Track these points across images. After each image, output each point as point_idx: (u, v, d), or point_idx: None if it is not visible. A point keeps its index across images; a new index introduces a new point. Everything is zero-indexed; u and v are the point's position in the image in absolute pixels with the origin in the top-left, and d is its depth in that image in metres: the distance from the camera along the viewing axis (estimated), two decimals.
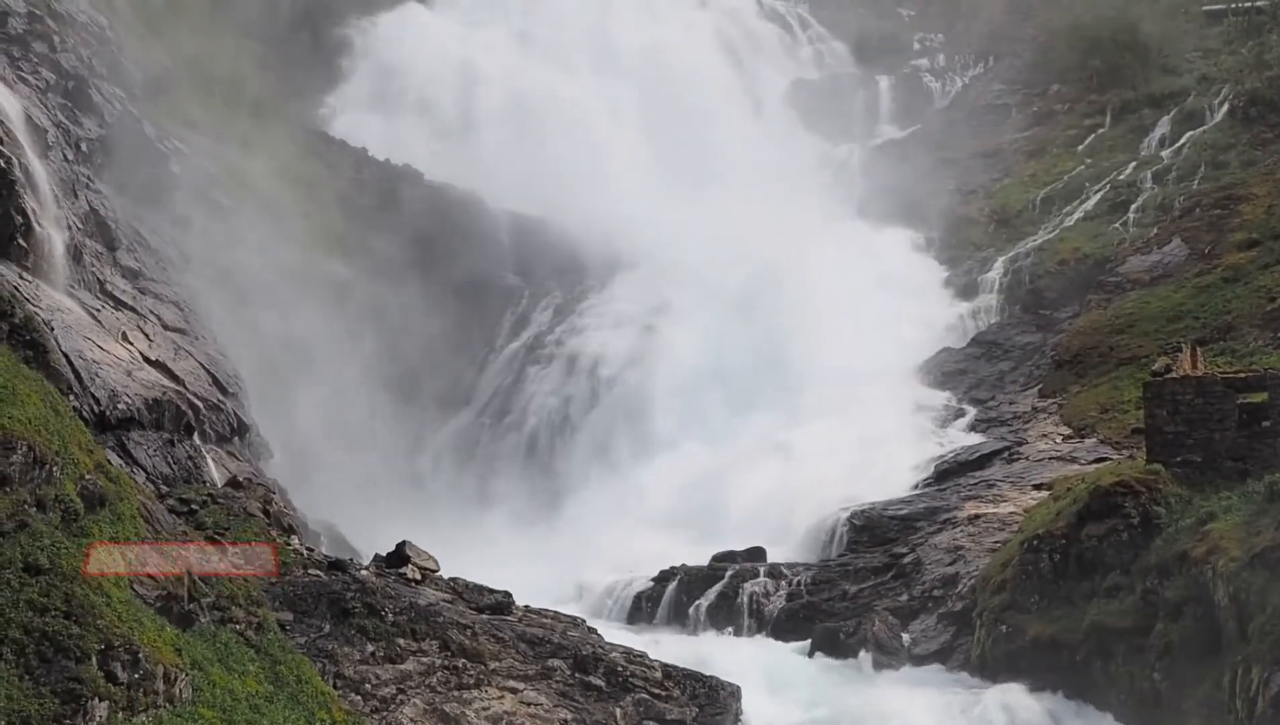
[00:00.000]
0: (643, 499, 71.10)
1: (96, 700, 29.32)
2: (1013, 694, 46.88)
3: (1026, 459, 63.74)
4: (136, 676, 30.52)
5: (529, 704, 41.80)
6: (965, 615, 52.58)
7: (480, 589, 47.26)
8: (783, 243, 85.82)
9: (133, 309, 57.63)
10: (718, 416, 76.74)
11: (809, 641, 54.22)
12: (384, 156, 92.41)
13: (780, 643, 55.31)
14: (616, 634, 50.96)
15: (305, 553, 45.79)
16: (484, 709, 40.90)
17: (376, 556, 49.21)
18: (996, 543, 55.12)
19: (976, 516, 58.68)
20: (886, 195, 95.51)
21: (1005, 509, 58.37)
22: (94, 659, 29.73)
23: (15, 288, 47.71)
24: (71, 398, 44.61)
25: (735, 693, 46.30)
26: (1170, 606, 43.67)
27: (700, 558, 61.67)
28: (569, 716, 42.03)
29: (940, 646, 52.66)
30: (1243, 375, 48.61)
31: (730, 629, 56.94)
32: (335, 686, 38.55)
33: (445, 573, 48.20)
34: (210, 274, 69.47)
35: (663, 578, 60.40)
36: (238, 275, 71.66)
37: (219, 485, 50.32)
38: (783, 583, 58.28)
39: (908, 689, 49.20)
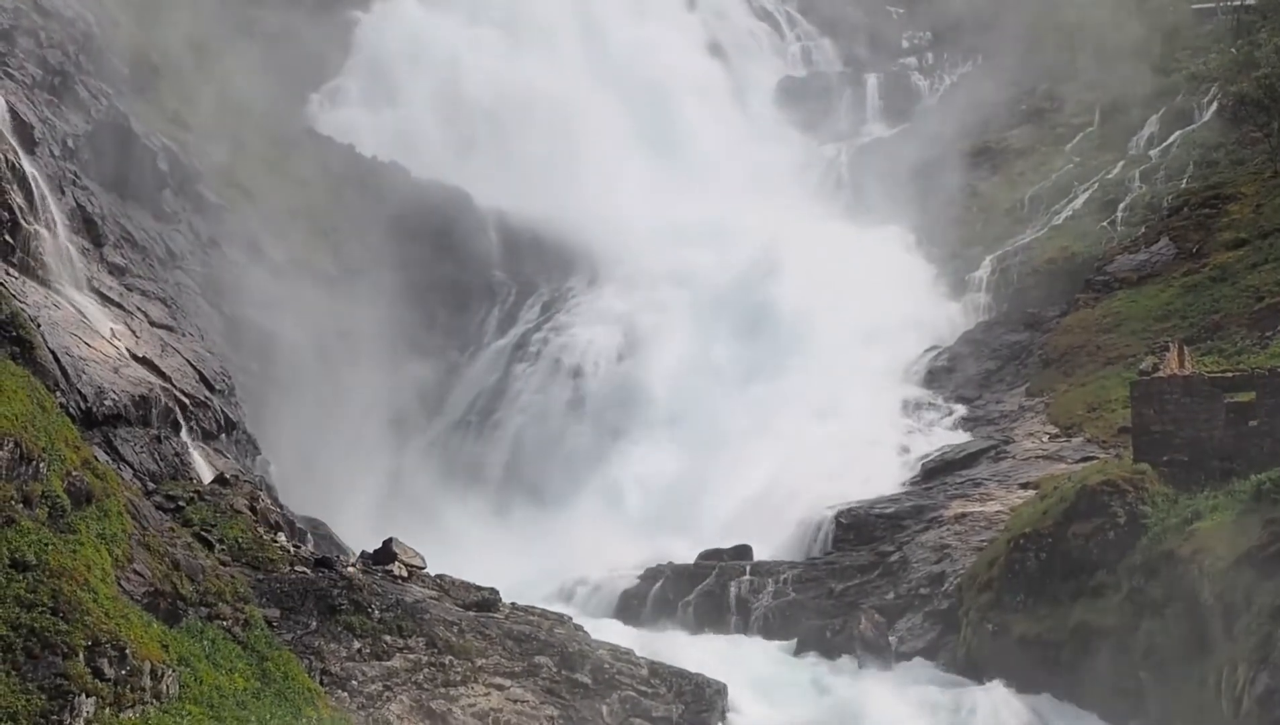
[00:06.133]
0: (630, 497, 71.17)
1: (84, 696, 29.31)
2: (998, 692, 46.95)
3: (1013, 458, 63.75)
4: (123, 673, 30.51)
5: (515, 701, 41.80)
6: (951, 614, 52.66)
7: (467, 586, 47.20)
8: (770, 241, 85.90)
9: (119, 306, 57.59)
10: (704, 415, 76.66)
11: (795, 639, 54.29)
12: (371, 153, 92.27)
13: (767, 640, 55.39)
14: (603, 631, 50.87)
15: (292, 550, 45.71)
16: (470, 705, 40.90)
17: (363, 553, 49.13)
18: (983, 541, 55.15)
19: (963, 515, 58.73)
20: (874, 194, 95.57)
21: (992, 508, 58.41)
22: (81, 655, 29.72)
23: (1, 284, 47.65)
24: (58, 394, 44.51)
25: (721, 690, 46.34)
26: (1156, 606, 43.75)
27: (687, 556, 61.75)
28: (555, 713, 42.05)
29: (926, 645, 52.79)
30: (1230, 374, 48.74)
31: (717, 627, 56.93)
32: (322, 683, 38.55)
33: (432, 570, 48.13)
34: (197, 271, 69.39)
35: (649, 575, 60.47)
36: (224, 272, 71.59)
37: (206, 482, 50.18)
38: (769, 581, 58.30)
39: (894, 687, 49.26)
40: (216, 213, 74.45)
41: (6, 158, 53.67)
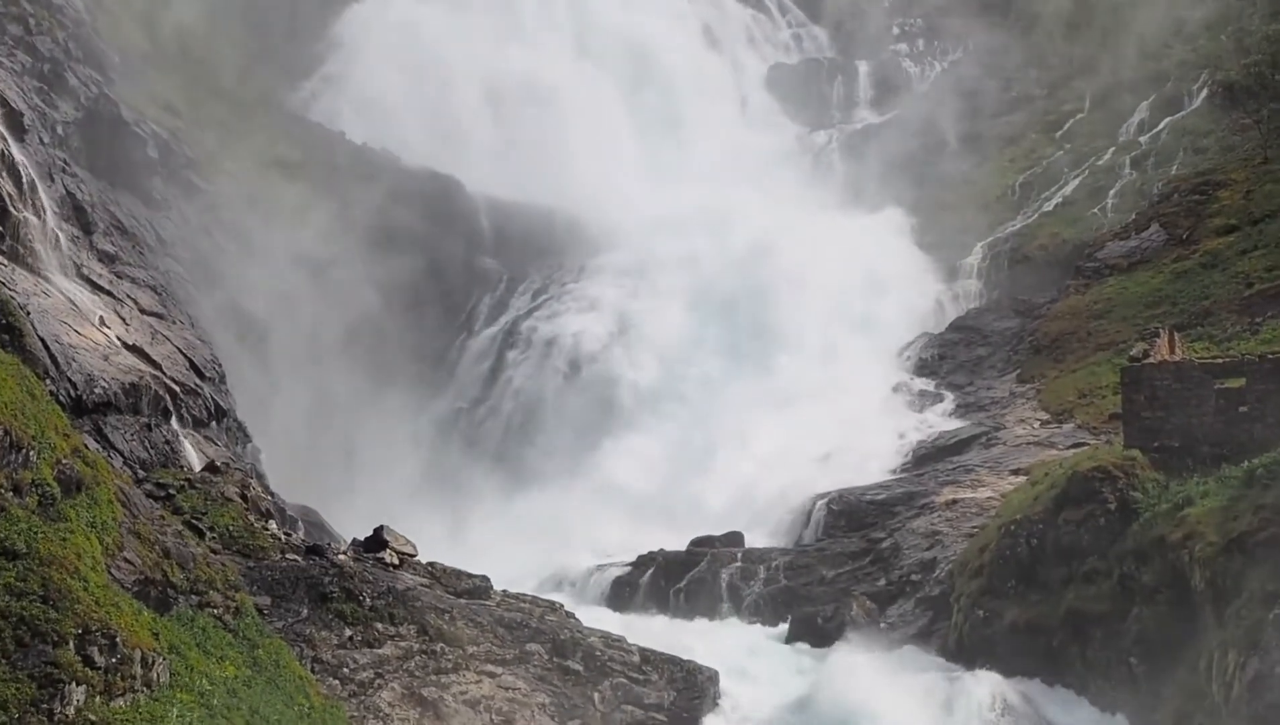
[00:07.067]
0: (621, 483, 71.09)
1: (74, 684, 29.24)
2: (990, 678, 46.94)
3: (1004, 444, 63.78)
4: (114, 661, 30.44)
5: (507, 688, 41.81)
6: (943, 600, 52.67)
7: (458, 573, 47.24)
8: (761, 228, 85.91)
9: (109, 293, 57.48)
10: (696, 401, 76.80)
11: (786, 626, 54.29)
12: (361, 140, 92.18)
13: (758, 627, 55.37)
14: (595, 618, 50.94)
15: (283, 537, 45.72)
16: (462, 693, 40.90)
17: (354, 541, 49.14)
18: (974, 528, 55.16)
19: (954, 501, 58.74)
20: (866, 181, 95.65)
21: (983, 494, 58.42)
22: (71, 643, 29.64)
23: None
24: (48, 382, 44.44)
25: (713, 677, 46.40)
26: (1147, 591, 43.80)
27: (678, 542, 61.69)
28: (547, 700, 42.06)
29: (918, 631, 52.75)
30: (1220, 360, 48.70)
31: (709, 614, 56.92)
32: (313, 671, 38.53)
33: (423, 557, 48.16)
34: (187, 258, 69.29)
35: (641, 563, 60.43)
36: (215, 259, 71.49)
37: (196, 470, 50.19)
38: (760, 568, 58.26)
39: (885, 674, 49.19)
40: (207, 199, 74.39)
41: None
